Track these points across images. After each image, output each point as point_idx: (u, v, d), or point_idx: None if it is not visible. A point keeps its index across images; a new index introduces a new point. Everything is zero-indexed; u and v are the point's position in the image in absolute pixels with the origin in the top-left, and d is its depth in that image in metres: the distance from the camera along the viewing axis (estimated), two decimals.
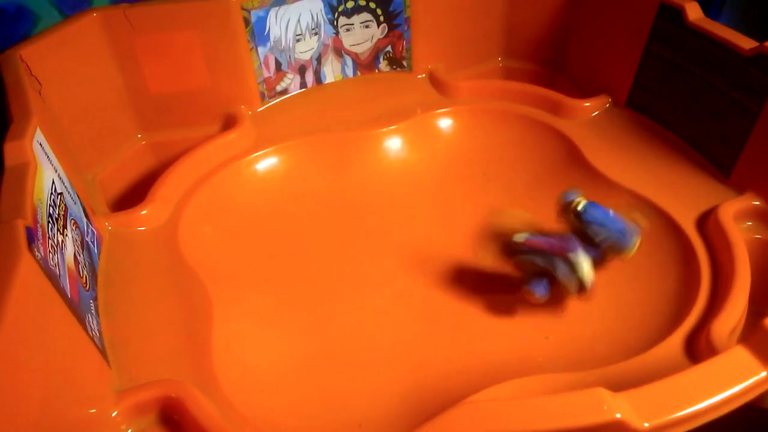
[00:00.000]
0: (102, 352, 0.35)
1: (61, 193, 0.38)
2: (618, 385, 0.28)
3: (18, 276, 0.27)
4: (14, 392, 0.25)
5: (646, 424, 0.26)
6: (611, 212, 0.41)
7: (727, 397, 0.27)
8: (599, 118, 0.58)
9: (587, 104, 0.59)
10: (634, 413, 0.26)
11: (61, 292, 0.32)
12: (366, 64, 0.64)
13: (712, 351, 0.35)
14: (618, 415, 0.26)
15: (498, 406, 0.27)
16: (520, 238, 0.43)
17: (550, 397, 0.27)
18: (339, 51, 0.62)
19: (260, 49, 0.57)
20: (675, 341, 0.38)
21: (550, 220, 0.52)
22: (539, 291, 0.43)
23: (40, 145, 0.38)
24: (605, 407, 0.26)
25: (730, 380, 0.28)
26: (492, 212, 0.45)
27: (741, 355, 0.28)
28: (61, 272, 0.33)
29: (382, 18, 0.61)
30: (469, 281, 0.48)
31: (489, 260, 0.45)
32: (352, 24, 0.61)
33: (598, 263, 0.42)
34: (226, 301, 0.43)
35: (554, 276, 0.42)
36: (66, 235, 0.37)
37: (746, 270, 0.40)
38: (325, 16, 0.60)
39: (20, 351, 0.26)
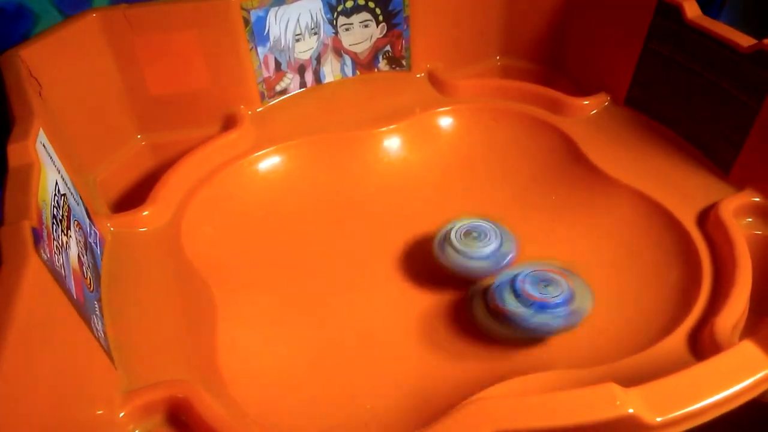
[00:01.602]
0: (108, 353, 0.35)
1: (64, 195, 0.38)
2: (624, 381, 0.28)
3: (26, 277, 0.27)
4: (24, 394, 0.25)
5: (658, 419, 0.26)
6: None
7: (737, 392, 0.27)
8: (598, 116, 0.59)
9: (586, 102, 0.59)
10: (646, 408, 0.26)
11: (67, 293, 0.32)
12: (365, 64, 0.64)
13: (715, 346, 0.35)
14: (630, 410, 0.26)
15: (509, 403, 0.27)
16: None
17: (562, 393, 0.27)
18: (338, 50, 0.62)
19: (260, 49, 0.57)
20: (678, 337, 0.38)
21: (550, 219, 0.52)
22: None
23: (43, 146, 0.38)
24: (618, 402, 0.26)
25: (740, 375, 0.28)
26: None
27: (749, 350, 0.29)
28: (67, 273, 0.33)
29: (381, 17, 0.61)
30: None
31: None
32: (352, 23, 0.61)
33: None
34: (230, 301, 0.43)
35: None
36: (70, 236, 0.37)
37: (747, 266, 0.40)
38: (324, 16, 0.60)
39: (30, 352, 0.26)
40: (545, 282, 0.41)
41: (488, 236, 0.45)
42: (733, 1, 0.64)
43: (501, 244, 0.45)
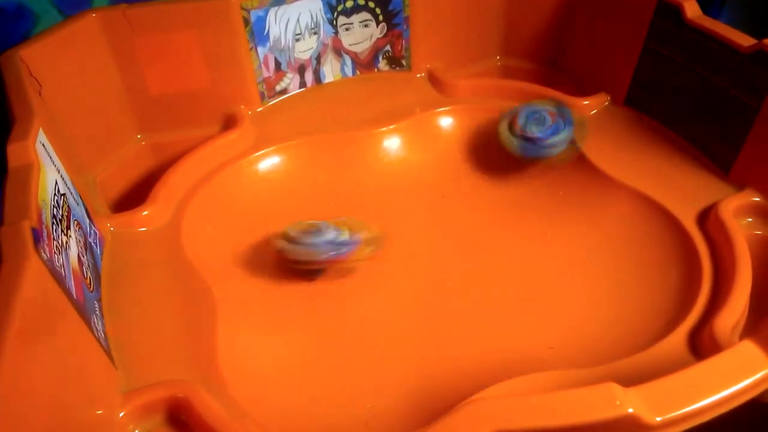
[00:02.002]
0: (108, 353, 0.35)
1: (64, 194, 0.38)
2: (624, 381, 0.28)
3: (26, 277, 0.27)
4: (26, 394, 0.25)
5: (657, 419, 0.26)
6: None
7: (737, 391, 0.27)
8: (598, 116, 0.59)
9: (586, 102, 0.59)
10: (645, 408, 0.26)
11: (67, 292, 0.32)
12: (365, 64, 0.64)
13: (715, 346, 0.35)
14: (630, 410, 0.26)
15: (509, 403, 0.27)
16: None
17: (562, 393, 0.27)
18: (338, 50, 0.62)
19: (260, 49, 0.57)
20: (678, 337, 0.38)
21: (550, 219, 0.52)
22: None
23: (43, 146, 0.38)
24: (617, 402, 0.26)
25: (740, 374, 0.28)
26: None
27: (749, 349, 0.29)
28: (67, 273, 0.33)
29: (381, 17, 0.61)
30: (470, 279, 0.48)
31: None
32: (352, 23, 0.61)
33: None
34: (230, 300, 0.43)
35: None
36: (70, 236, 0.37)
37: (747, 266, 0.40)
38: (324, 16, 0.60)
39: (30, 352, 0.26)
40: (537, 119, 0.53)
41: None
42: (733, 1, 0.64)
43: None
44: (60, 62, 0.48)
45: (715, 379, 0.28)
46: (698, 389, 0.27)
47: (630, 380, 0.29)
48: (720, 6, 0.49)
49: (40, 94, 0.46)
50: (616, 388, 0.27)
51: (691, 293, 0.41)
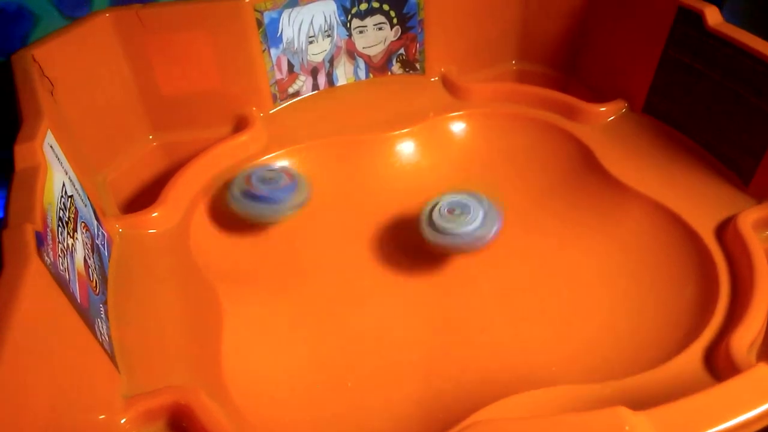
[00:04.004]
0: (111, 357, 0.35)
1: (71, 196, 0.38)
2: (636, 399, 0.28)
3: (27, 281, 0.27)
4: (23, 398, 0.25)
5: None
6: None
7: (753, 417, 0.26)
8: (615, 124, 0.58)
9: (603, 109, 0.58)
10: None
11: (70, 297, 0.31)
12: (379, 67, 0.64)
13: (731, 364, 0.34)
14: None
15: (514, 426, 0.27)
16: None
17: (569, 416, 0.27)
18: (352, 53, 0.62)
19: (273, 51, 0.56)
20: (693, 354, 0.37)
21: (564, 227, 0.52)
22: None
23: (51, 147, 0.37)
24: (627, 428, 0.25)
25: (756, 400, 0.27)
26: None
27: (766, 373, 0.28)
28: (71, 276, 0.33)
29: (395, 20, 0.61)
30: (481, 290, 0.47)
31: None
32: (365, 26, 0.60)
33: None
34: (237, 306, 0.43)
35: None
36: (76, 238, 0.37)
37: (766, 281, 0.39)
38: (338, 18, 0.59)
39: (29, 357, 0.26)
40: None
41: (471, 211, 0.46)
42: (732, 1, 0.63)
43: (485, 218, 0.46)
44: (72, 62, 0.48)
45: (730, 405, 0.27)
46: (712, 415, 0.26)
47: (642, 398, 0.28)
48: (720, 6, 0.48)
49: (52, 94, 0.46)
50: (625, 413, 0.26)
51: (708, 308, 0.40)
